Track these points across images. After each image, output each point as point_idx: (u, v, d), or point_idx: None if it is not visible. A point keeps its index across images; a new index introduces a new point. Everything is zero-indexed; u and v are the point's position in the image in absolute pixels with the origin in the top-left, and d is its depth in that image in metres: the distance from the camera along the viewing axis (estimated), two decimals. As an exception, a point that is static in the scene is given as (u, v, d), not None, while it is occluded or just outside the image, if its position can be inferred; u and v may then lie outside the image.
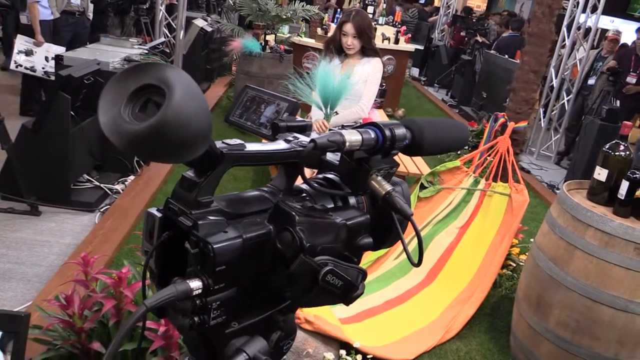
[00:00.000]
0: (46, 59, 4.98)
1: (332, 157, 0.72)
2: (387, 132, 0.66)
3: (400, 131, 0.67)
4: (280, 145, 0.68)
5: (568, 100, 6.87)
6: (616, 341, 2.46)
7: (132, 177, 4.25)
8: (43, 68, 5.01)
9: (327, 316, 2.56)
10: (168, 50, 5.58)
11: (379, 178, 0.68)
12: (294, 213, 0.62)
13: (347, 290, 0.64)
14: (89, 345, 1.90)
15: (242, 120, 0.82)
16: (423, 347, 2.83)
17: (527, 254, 3.31)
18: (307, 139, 0.69)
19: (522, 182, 3.40)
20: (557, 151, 6.95)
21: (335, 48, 3.35)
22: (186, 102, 0.50)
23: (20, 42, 4.96)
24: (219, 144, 0.61)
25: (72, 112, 3.61)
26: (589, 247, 2.50)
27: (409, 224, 0.71)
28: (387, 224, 0.77)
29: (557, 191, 5.65)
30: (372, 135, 0.65)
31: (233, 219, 0.62)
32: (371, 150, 0.66)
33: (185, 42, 6.54)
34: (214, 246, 0.56)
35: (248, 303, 0.64)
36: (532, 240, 3.29)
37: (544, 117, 7.09)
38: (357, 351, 2.38)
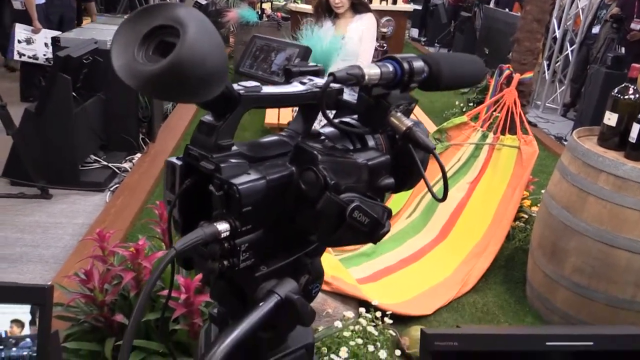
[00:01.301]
0: (46, 45, 4.92)
1: (349, 97, 0.70)
2: (406, 65, 0.64)
3: (418, 64, 0.66)
4: (296, 87, 0.67)
5: (572, 51, 6.76)
6: (634, 284, 2.46)
7: (139, 155, 4.25)
8: (44, 55, 4.96)
9: (345, 276, 2.57)
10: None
11: (399, 114, 0.67)
12: (315, 152, 0.61)
13: (374, 228, 0.63)
14: (112, 318, 1.93)
15: (252, 71, 0.81)
16: (440, 301, 2.85)
17: (538, 205, 3.30)
18: (323, 81, 0.68)
19: (530, 133, 3.37)
20: (562, 103, 6.88)
21: (324, 10, 3.27)
22: (201, 39, 0.49)
23: (19, 30, 4.89)
24: (235, 86, 0.60)
25: (73, 94, 3.59)
26: (602, 192, 2.49)
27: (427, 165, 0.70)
28: (407, 165, 0.76)
29: (565, 142, 5.61)
30: (391, 68, 0.63)
31: (254, 162, 0.61)
32: (390, 85, 0.64)
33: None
34: (239, 187, 0.55)
35: (275, 246, 0.63)
36: (542, 191, 3.28)
37: (548, 69, 6.99)
38: (376, 308, 2.40)
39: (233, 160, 0.58)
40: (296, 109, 0.72)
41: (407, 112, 0.69)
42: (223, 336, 0.54)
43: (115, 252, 2.10)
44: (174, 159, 0.61)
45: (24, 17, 4.95)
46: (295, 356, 0.74)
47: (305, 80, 0.69)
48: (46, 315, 1.21)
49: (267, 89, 0.62)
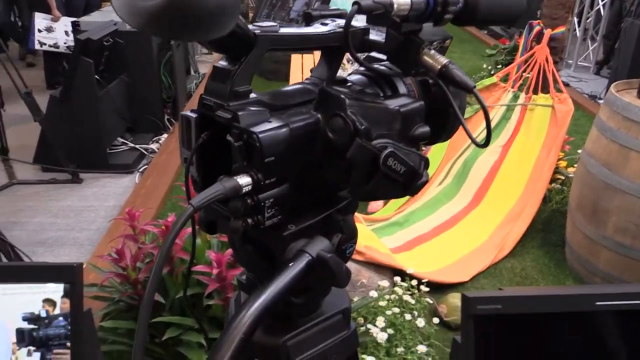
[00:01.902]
0: (66, 33, 4.90)
1: (377, 37, 0.63)
2: (438, -7, 0.57)
3: (453, -8, 0.58)
4: (318, 28, 0.60)
5: (604, 5, 6.46)
6: (681, 240, 2.35)
7: (165, 135, 4.24)
8: (65, 43, 4.95)
9: (378, 245, 2.52)
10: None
11: (432, 51, 0.60)
12: (343, 96, 0.55)
13: (411, 178, 0.57)
14: (146, 295, 1.92)
15: (270, 20, 0.74)
16: (477, 267, 2.78)
17: (575, 165, 3.18)
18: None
19: (564, 91, 3.22)
20: (595, 61, 6.61)
21: None
22: (206, -33, 0.43)
23: (39, 19, 4.88)
24: (250, 27, 0.54)
25: (96, 77, 3.58)
26: (645, 146, 2.36)
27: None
28: (442, 112, 0.69)
29: (600, 101, 5.39)
30: (422, -3, 0.56)
31: (275, 110, 0.55)
32: (421, 17, 0.58)
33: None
34: (260, 135, 0.50)
35: (304, 202, 0.58)
36: (579, 151, 3.15)
37: (578, 26, 6.71)
38: (412, 277, 2.34)
39: (252, 108, 0.53)
40: None
41: (442, 50, 0.63)
42: (250, 301, 0.50)
43: (146, 230, 2.09)
44: (188, 112, 0.56)
45: (42, 6, 4.93)
46: (331, 322, 0.69)
47: (327, 22, 0.62)
48: (77, 293, 1.19)
49: (286, 29, 0.56)
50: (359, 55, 0.61)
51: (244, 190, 0.50)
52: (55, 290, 1.21)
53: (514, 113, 3.32)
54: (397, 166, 0.55)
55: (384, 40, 0.61)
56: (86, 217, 3.33)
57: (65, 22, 4.80)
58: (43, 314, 1.20)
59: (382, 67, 0.64)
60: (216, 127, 0.54)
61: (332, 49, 0.62)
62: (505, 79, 3.43)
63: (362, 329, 2.03)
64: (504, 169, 3.24)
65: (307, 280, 0.57)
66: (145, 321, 0.45)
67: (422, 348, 1.97)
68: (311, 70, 0.65)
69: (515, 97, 3.32)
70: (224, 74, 0.53)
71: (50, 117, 3.55)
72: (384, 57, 0.65)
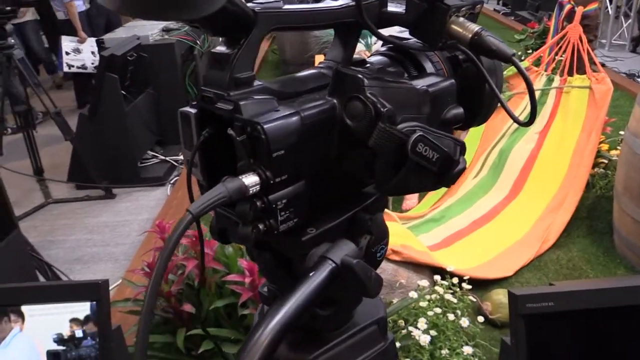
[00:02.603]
0: (93, 53, 4.95)
1: (396, 9, 0.56)
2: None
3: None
4: (328, 3, 0.53)
5: (636, -20, 6.19)
6: None
7: (194, 146, 4.23)
8: (92, 63, 5.00)
9: (414, 244, 2.43)
10: (205, 16, 5.43)
11: (461, 19, 0.52)
12: (360, 75, 0.47)
13: (446, 165, 0.49)
14: (181, 308, 1.88)
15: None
16: (520, 261, 2.66)
17: (619, 147, 3.01)
18: None
19: (601, 70, 3.06)
20: (630, 38, 6.33)
21: None
22: None
23: (65, 43, 4.94)
24: (249, 4, 0.47)
25: (123, 92, 3.59)
26: (695, 122, 2.20)
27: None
28: (476, 91, 0.61)
29: (639, 79, 5.16)
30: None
31: (285, 99, 0.48)
32: None
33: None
34: (265, 126, 0.43)
35: (323, 202, 0.50)
36: (621, 132, 2.99)
37: (610, 4, 6.45)
38: (452, 275, 2.24)
39: (256, 97, 0.46)
40: None
41: (472, 17, 0.54)
42: (268, 317, 0.43)
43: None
44: (187, 108, 0.49)
45: (69, 28, 4.99)
46: (365, 334, 0.61)
47: None
48: (103, 310, 1.15)
49: (292, 6, 0.49)
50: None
51: (251, 192, 0.43)
52: (82, 309, 1.17)
53: (549, 97, 3.17)
54: (428, 152, 0.47)
55: (404, 11, 0.53)
56: (121, 231, 3.33)
57: (91, 43, 4.85)
58: (75, 334, 1.16)
59: (406, 44, 0.56)
60: (219, 122, 0.47)
61: (346, 26, 0.55)
62: (537, 63, 3.29)
63: (404, 332, 1.94)
64: (542, 157, 3.10)
65: (333, 290, 0.49)
66: (144, 334, 0.39)
67: (467, 349, 1.87)
68: (325, 54, 0.57)
69: (550, 81, 3.17)
70: (222, 59, 0.46)
71: (81, 135, 3.57)
72: (408, 37, 0.57)
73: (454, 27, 0.52)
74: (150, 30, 4.06)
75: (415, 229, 2.89)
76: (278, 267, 0.55)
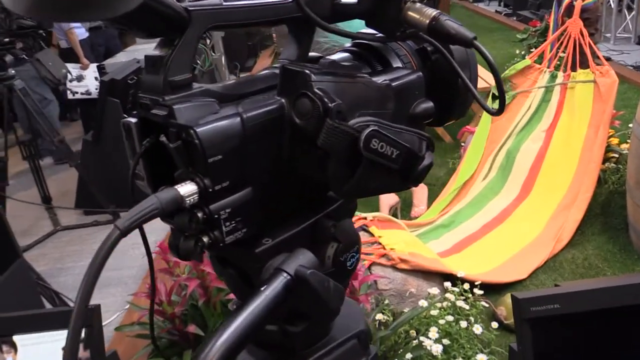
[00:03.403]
0: (96, 79, 4.99)
1: (350, 0, 0.52)
2: None
3: None
4: (275, -2, 0.50)
5: (637, -28, 6.12)
6: None
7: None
8: (96, 89, 5.03)
9: (423, 251, 2.37)
10: (205, 35, 5.48)
11: (417, 5, 0.48)
12: (307, 71, 0.44)
13: (409, 162, 0.45)
14: (185, 330, 1.84)
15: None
16: (534, 263, 2.59)
17: (628, 140, 2.94)
18: None
19: (605, 63, 3.00)
20: (635, 29, 6.24)
21: None
22: None
23: (69, 69, 4.98)
24: (184, 3, 0.43)
25: (125, 115, 3.59)
26: None
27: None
28: (450, 84, 0.57)
29: (647, 71, 5.07)
30: None
31: (229, 101, 0.45)
32: None
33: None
34: (197, 130, 0.39)
35: (280, 209, 0.47)
36: (630, 125, 2.92)
37: (612, -3, 6.38)
38: (463, 280, 2.18)
39: (194, 101, 0.42)
40: None
41: (432, 3, 0.51)
42: (214, 337, 0.39)
43: (179, 262, 2.02)
44: (129, 118, 0.46)
45: (71, 55, 5.03)
46: (344, 349, 0.57)
47: None
48: (95, 336, 1.12)
49: (231, 3, 0.46)
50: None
51: (188, 202, 0.39)
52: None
53: (554, 94, 3.11)
54: (386, 149, 0.43)
55: (356, 1, 0.50)
56: (130, 255, 3.30)
57: (94, 69, 4.88)
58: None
59: (360, 35, 0.53)
60: (160, 130, 0.44)
61: (297, 23, 0.51)
62: (539, 60, 3.23)
63: (415, 342, 1.88)
64: (550, 155, 3.03)
65: (297, 305, 0.45)
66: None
67: (482, 357, 1.80)
68: (278, 54, 0.54)
69: (553, 77, 3.12)
70: (156, 63, 0.43)
71: (85, 160, 3.58)
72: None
73: (410, 13, 0.48)
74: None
75: (424, 235, 2.83)
76: (243, 283, 0.51)
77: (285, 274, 0.42)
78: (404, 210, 3.26)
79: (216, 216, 0.41)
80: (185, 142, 0.40)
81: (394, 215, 3.00)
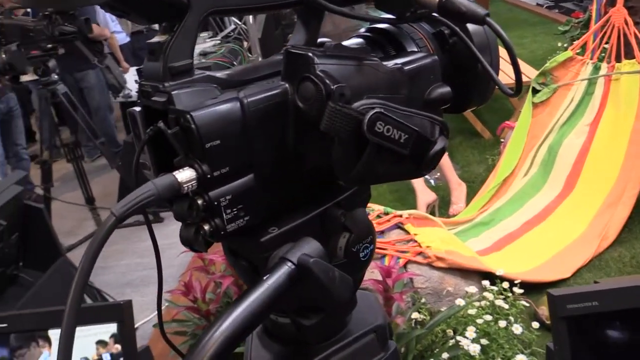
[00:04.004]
0: (136, 82, 5.10)
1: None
2: None
3: None
4: (279, -19, 0.48)
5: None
6: None
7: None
8: (136, 92, 5.13)
9: (461, 249, 2.32)
10: (241, 37, 5.52)
11: (428, -17, 0.46)
12: (310, 53, 0.42)
13: (419, 147, 0.43)
14: (220, 327, 1.86)
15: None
16: (578, 261, 2.49)
17: (679, 133, 2.80)
18: None
19: (653, 52, 2.86)
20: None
21: None
22: None
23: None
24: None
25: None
26: None
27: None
28: (469, 69, 0.55)
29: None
30: None
31: (231, 87, 0.44)
32: None
33: (258, 26, 6.47)
34: (193, 114, 0.38)
35: (287, 198, 0.45)
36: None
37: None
38: (502, 279, 2.12)
39: (194, 87, 0.42)
40: None
41: None
42: (213, 327, 0.38)
43: (214, 260, 2.04)
44: (135, 107, 0.45)
45: (113, 60, 5.15)
46: (361, 344, 0.55)
47: None
48: (126, 332, 1.14)
49: (234, -14, 0.45)
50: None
51: (186, 188, 0.39)
52: (107, 330, 1.16)
53: (597, 87, 2.99)
54: (392, 133, 0.41)
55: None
56: (169, 254, 3.35)
57: (134, 72, 5.00)
58: (102, 357, 1.15)
59: (369, 17, 0.51)
60: (165, 119, 0.43)
61: (305, 6, 0.50)
62: (582, 52, 3.11)
63: (452, 341, 1.84)
64: (595, 150, 2.92)
65: (303, 295, 0.44)
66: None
67: (522, 358, 1.74)
68: (288, 40, 0.53)
69: (596, 69, 3.00)
70: (156, 49, 0.42)
71: (126, 161, 3.66)
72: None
73: (419, -9, 0.46)
74: (188, 55, 4.15)
75: (463, 233, 2.77)
76: (255, 274, 0.50)
77: (289, 263, 0.41)
78: (442, 208, 3.20)
79: (216, 203, 0.40)
80: (182, 127, 0.39)
81: (432, 213, 2.95)
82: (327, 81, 0.40)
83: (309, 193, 0.47)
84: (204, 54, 4.20)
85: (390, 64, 0.47)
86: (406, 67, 0.48)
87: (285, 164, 0.44)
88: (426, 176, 3.54)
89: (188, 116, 0.38)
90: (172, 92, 0.40)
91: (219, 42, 4.57)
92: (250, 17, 6.24)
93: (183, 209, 0.40)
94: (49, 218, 2.77)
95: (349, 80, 0.43)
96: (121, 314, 1.14)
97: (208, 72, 0.44)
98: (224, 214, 0.40)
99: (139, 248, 3.49)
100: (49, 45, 2.93)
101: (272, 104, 0.43)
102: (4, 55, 2.57)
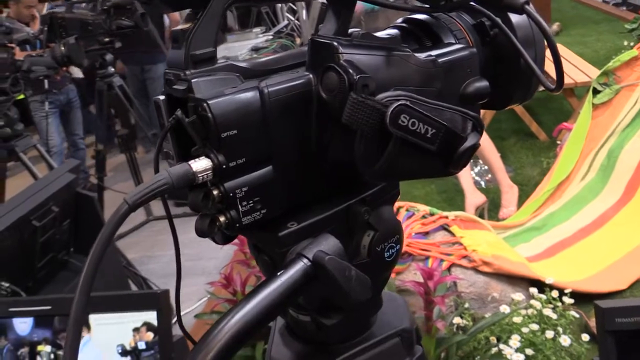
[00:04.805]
0: None
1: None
2: None
3: None
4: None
5: None
6: None
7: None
8: None
9: (509, 254, 2.25)
10: (294, 33, 5.54)
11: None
12: (335, 43, 0.41)
13: (447, 142, 0.41)
14: (258, 321, 1.87)
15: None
16: (637, 272, 2.37)
17: None
18: None
19: None
20: None
21: None
22: None
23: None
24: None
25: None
26: None
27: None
28: (511, 63, 0.52)
29: None
30: None
31: (255, 77, 0.43)
32: None
33: (311, 21, 6.49)
34: (210, 102, 0.38)
35: (305, 192, 0.44)
36: None
37: None
38: (552, 287, 2.04)
39: (215, 75, 0.41)
40: None
41: None
42: (222, 321, 0.37)
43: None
44: (159, 96, 0.45)
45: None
46: (384, 347, 0.53)
47: None
48: (164, 320, 1.16)
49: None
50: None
51: (201, 178, 0.38)
52: (146, 318, 1.18)
53: (666, 88, 2.83)
54: (418, 127, 0.39)
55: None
56: (214, 246, 3.34)
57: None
58: (138, 345, 1.18)
59: (400, 6, 0.50)
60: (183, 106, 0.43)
61: (334, -4, 0.49)
62: (650, 52, 2.96)
63: (495, 349, 1.78)
64: (659, 155, 2.76)
65: (319, 293, 0.43)
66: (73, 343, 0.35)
67: (569, 370, 1.67)
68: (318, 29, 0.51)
69: (665, 70, 2.84)
70: (179, 37, 0.42)
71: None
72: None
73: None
74: (239, 50, 4.21)
75: (513, 238, 2.69)
76: (275, 270, 0.49)
77: (305, 260, 0.40)
78: (491, 212, 3.12)
79: (231, 194, 0.39)
80: (199, 116, 0.38)
81: (480, 216, 2.88)
82: (351, 71, 0.39)
83: (331, 188, 0.46)
84: (255, 49, 4.25)
85: (423, 55, 0.45)
86: (440, 59, 0.46)
87: (306, 157, 0.43)
88: (476, 177, 3.46)
89: (205, 104, 0.38)
90: (192, 80, 0.40)
91: (271, 37, 4.61)
92: (304, 12, 6.27)
93: (198, 199, 0.39)
94: (100, 206, 2.87)
95: (376, 71, 0.41)
96: (158, 303, 1.16)
97: (231, 61, 0.43)
98: (240, 206, 0.40)
99: (185, 239, 3.46)
100: (107, 39, 3.03)
101: (294, 94, 0.41)
102: (63, 48, 2.67)
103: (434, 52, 0.46)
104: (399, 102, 0.38)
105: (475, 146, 0.43)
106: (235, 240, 2.24)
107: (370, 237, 0.47)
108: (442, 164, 0.43)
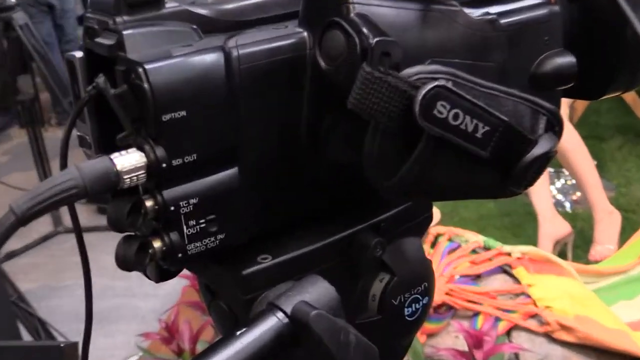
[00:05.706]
0: None
1: None
2: None
3: None
4: None
5: None
6: None
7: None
8: None
9: (602, 316, 2.28)
10: None
11: None
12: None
13: (507, 147, 0.41)
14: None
15: None
16: None
17: None
18: None
19: None
20: None
21: None
22: None
23: None
24: None
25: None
26: None
27: None
28: (606, 31, 0.54)
29: None
30: None
31: (222, 31, 0.44)
32: None
33: None
34: (147, 66, 0.38)
35: (285, 209, 0.45)
36: None
37: None
38: (663, 370, 2.06)
39: (160, 27, 0.42)
40: None
41: None
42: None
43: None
44: (75, 52, 0.46)
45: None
46: None
47: None
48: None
49: None
50: None
51: (127, 181, 0.39)
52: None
53: None
54: (464, 121, 0.40)
55: None
56: (154, 278, 3.46)
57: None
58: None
59: None
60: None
61: None
62: None
63: None
64: None
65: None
66: None
67: None
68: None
69: None
70: None
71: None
72: None
73: None
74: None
75: (608, 292, 2.72)
76: (233, 325, 0.50)
77: (280, 314, 0.40)
78: (578, 248, 3.14)
79: (173, 208, 0.40)
80: (132, 86, 0.39)
81: (561, 254, 2.91)
82: (365, 30, 0.39)
83: (326, 206, 0.47)
84: None
85: (478, 12, 0.46)
86: (504, 20, 0.47)
87: (292, 156, 0.44)
88: (558, 196, 3.49)
89: (140, 70, 0.38)
90: (124, 33, 0.40)
91: None
92: None
93: (122, 212, 0.40)
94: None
95: (402, 32, 0.42)
96: (60, 358, 1.18)
97: (186, 6, 0.44)
98: (185, 227, 0.40)
99: (111, 264, 3.54)
100: None
101: (278, 60, 0.42)
102: None
103: (496, 9, 0.47)
104: (436, 83, 0.39)
105: (550, 155, 0.43)
106: (185, 272, 2.29)
107: (383, 283, 0.49)
108: (499, 179, 0.43)
